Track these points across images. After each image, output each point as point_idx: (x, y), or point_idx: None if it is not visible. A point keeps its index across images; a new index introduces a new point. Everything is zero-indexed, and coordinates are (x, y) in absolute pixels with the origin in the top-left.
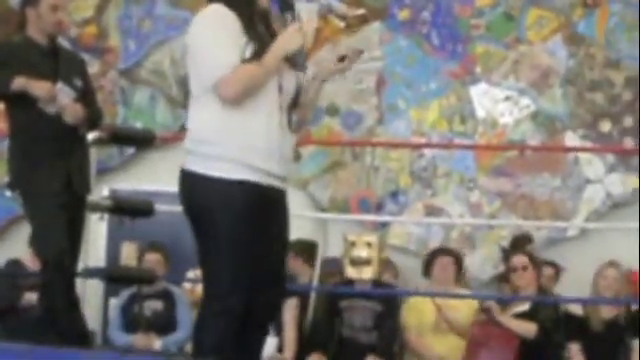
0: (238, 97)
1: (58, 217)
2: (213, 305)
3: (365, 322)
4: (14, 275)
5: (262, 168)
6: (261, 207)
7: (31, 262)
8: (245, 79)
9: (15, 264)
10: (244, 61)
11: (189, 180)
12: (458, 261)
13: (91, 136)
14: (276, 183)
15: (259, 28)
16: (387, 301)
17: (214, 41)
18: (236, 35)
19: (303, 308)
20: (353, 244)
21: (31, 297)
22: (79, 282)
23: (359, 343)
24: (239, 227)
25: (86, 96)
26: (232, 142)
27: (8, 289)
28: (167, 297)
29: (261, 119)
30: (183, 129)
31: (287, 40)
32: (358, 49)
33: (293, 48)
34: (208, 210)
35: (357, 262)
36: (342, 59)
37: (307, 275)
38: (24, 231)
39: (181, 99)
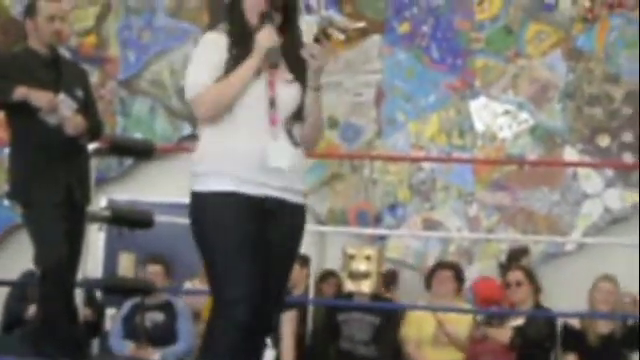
0: (210, 114)
1: (57, 228)
2: (218, 316)
3: (364, 335)
4: (24, 286)
5: (245, 178)
6: (250, 216)
7: None
8: (212, 96)
9: (30, 275)
10: (218, 79)
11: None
12: (458, 275)
13: (91, 147)
14: (273, 193)
15: (247, 46)
16: (386, 315)
17: (194, 63)
18: (219, 54)
19: (302, 320)
20: (352, 257)
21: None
22: (77, 293)
23: (358, 356)
24: (226, 237)
25: (87, 107)
26: (215, 156)
27: (17, 301)
28: (168, 309)
29: (242, 132)
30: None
31: (260, 39)
32: (325, 30)
33: (266, 46)
34: (196, 224)
35: (356, 275)
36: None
37: (302, 287)
38: (23, 240)
39: (181, 110)
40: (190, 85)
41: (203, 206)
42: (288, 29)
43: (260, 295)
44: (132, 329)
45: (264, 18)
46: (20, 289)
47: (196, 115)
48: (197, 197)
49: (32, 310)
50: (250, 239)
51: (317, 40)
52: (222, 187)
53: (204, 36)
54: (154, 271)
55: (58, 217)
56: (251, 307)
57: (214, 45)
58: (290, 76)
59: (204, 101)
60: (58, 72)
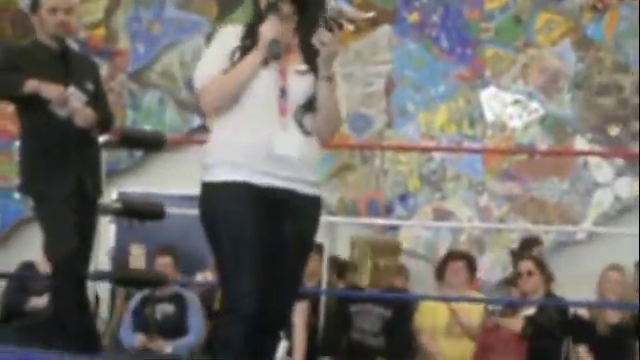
0: (215, 105)
1: (68, 220)
2: (227, 307)
3: (373, 327)
4: (24, 278)
5: (253, 168)
6: (258, 207)
7: (44, 265)
8: (217, 87)
9: (28, 267)
10: (225, 70)
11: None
12: (470, 264)
13: (102, 139)
14: (280, 183)
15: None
16: (397, 306)
17: (204, 55)
18: (231, 46)
19: (314, 311)
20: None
21: (37, 301)
22: (89, 285)
23: (368, 347)
24: (233, 228)
25: (97, 99)
26: (224, 147)
27: (17, 292)
28: (178, 301)
29: (251, 122)
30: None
31: (263, 30)
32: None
33: (268, 37)
34: (205, 215)
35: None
36: (329, 29)
37: (315, 277)
38: (33, 233)
39: (191, 102)
40: (197, 77)
41: (211, 197)
42: (304, 19)
43: (269, 288)
44: (142, 321)
45: (269, 8)
46: (20, 281)
47: (202, 106)
48: (206, 188)
49: (33, 302)
50: (258, 230)
51: (329, 28)
52: (230, 177)
53: (220, 29)
54: (164, 263)
55: (69, 210)
56: (258, 299)
57: (227, 37)
58: (304, 67)
59: (209, 92)
60: (68, 65)
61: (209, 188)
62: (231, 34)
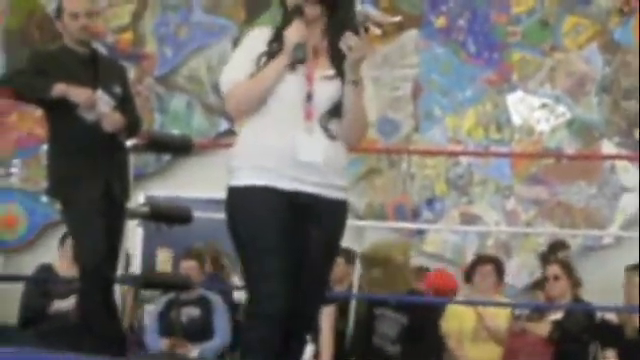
0: (240, 109)
1: (96, 223)
2: (250, 309)
3: (391, 332)
4: (44, 281)
5: (279, 172)
6: (283, 211)
7: (62, 268)
8: (242, 92)
9: (47, 270)
10: (252, 74)
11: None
12: (499, 269)
13: (129, 143)
14: (306, 188)
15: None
16: (415, 313)
17: (231, 58)
18: (258, 50)
19: (342, 315)
20: None
21: (61, 304)
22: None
23: (386, 353)
24: (258, 232)
25: (125, 103)
26: (249, 151)
27: (38, 295)
28: (204, 304)
29: (276, 126)
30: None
31: (287, 35)
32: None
33: (293, 41)
34: (230, 219)
35: None
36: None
37: (347, 283)
38: (60, 236)
39: (218, 106)
40: (223, 81)
41: (237, 201)
42: (333, 22)
43: (295, 291)
44: (168, 325)
45: (294, 12)
46: (40, 284)
47: (227, 110)
48: (232, 192)
49: (57, 305)
50: (283, 234)
51: (356, 31)
52: (255, 181)
53: (248, 32)
54: (188, 266)
55: (97, 213)
56: (282, 301)
57: (254, 41)
58: (331, 71)
59: (234, 96)
60: (95, 69)
61: (234, 192)
62: (258, 38)
